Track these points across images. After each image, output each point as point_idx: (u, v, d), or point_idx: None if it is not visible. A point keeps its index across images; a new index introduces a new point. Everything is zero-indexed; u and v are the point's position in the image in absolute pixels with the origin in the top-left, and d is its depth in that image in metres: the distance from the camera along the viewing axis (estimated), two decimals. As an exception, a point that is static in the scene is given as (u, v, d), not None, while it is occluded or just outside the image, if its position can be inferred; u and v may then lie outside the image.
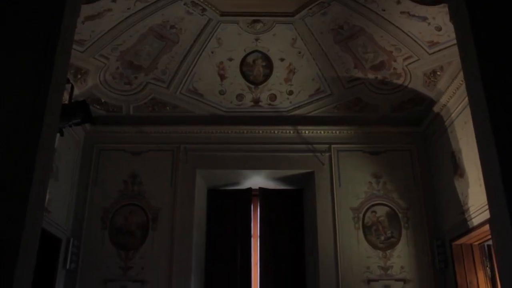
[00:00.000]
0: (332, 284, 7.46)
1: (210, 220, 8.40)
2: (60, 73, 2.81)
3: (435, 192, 7.88)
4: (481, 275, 7.05)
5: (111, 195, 7.93)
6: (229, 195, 8.59)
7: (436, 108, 7.70)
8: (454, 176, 7.21)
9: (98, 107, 8.02)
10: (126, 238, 7.71)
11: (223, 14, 7.02)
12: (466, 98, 6.69)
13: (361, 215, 7.86)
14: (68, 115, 4.44)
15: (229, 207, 8.45)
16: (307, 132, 8.29)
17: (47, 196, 6.84)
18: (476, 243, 7.13)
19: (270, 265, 8.09)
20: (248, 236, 8.29)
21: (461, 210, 6.96)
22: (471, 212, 6.66)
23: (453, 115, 7.26)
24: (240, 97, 8.11)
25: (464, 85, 6.74)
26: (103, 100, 7.95)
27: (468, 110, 6.71)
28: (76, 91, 7.37)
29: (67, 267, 7.33)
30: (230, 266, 8.06)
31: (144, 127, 8.26)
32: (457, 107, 7.14)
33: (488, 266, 7.08)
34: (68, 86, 5.60)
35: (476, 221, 6.53)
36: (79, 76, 7.33)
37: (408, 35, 6.94)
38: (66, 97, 5.23)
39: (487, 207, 6.12)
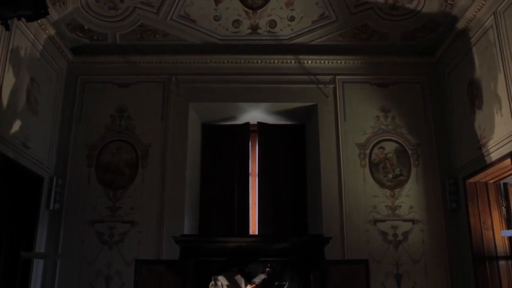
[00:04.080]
0: (336, 225, 7.14)
1: (204, 157, 8.07)
2: None
3: (448, 127, 7.47)
4: (496, 215, 6.79)
5: (97, 130, 7.61)
6: (225, 130, 8.24)
7: (452, 34, 7.15)
8: (471, 108, 6.71)
9: (81, 35, 7.58)
10: (114, 176, 7.40)
11: None
12: (488, 21, 6.19)
13: (367, 152, 7.50)
14: (13, 3, 3.70)
15: (225, 143, 8.12)
16: (309, 62, 7.89)
17: (26, 131, 6.45)
18: (492, 181, 6.83)
19: (269, 205, 7.79)
20: (246, 174, 7.94)
21: (477, 145, 6.54)
22: (489, 147, 6.26)
23: (472, 39, 6.70)
24: (236, 23, 7.54)
25: (487, 5, 6.16)
26: (86, 27, 7.43)
27: (490, 34, 6.18)
28: (55, 16, 6.85)
29: (51, 207, 7.04)
30: (227, 207, 7.75)
31: (132, 56, 7.88)
32: (477, 31, 6.57)
33: (504, 205, 6.81)
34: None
35: (494, 156, 6.17)
36: (57, -2, 6.69)
37: None
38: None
39: (509, 139, 5.71)
